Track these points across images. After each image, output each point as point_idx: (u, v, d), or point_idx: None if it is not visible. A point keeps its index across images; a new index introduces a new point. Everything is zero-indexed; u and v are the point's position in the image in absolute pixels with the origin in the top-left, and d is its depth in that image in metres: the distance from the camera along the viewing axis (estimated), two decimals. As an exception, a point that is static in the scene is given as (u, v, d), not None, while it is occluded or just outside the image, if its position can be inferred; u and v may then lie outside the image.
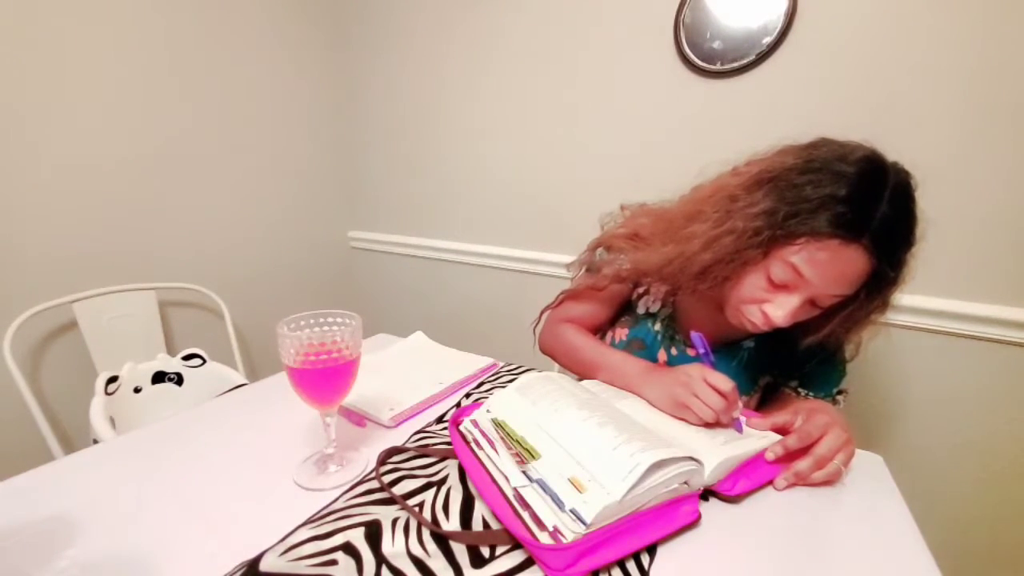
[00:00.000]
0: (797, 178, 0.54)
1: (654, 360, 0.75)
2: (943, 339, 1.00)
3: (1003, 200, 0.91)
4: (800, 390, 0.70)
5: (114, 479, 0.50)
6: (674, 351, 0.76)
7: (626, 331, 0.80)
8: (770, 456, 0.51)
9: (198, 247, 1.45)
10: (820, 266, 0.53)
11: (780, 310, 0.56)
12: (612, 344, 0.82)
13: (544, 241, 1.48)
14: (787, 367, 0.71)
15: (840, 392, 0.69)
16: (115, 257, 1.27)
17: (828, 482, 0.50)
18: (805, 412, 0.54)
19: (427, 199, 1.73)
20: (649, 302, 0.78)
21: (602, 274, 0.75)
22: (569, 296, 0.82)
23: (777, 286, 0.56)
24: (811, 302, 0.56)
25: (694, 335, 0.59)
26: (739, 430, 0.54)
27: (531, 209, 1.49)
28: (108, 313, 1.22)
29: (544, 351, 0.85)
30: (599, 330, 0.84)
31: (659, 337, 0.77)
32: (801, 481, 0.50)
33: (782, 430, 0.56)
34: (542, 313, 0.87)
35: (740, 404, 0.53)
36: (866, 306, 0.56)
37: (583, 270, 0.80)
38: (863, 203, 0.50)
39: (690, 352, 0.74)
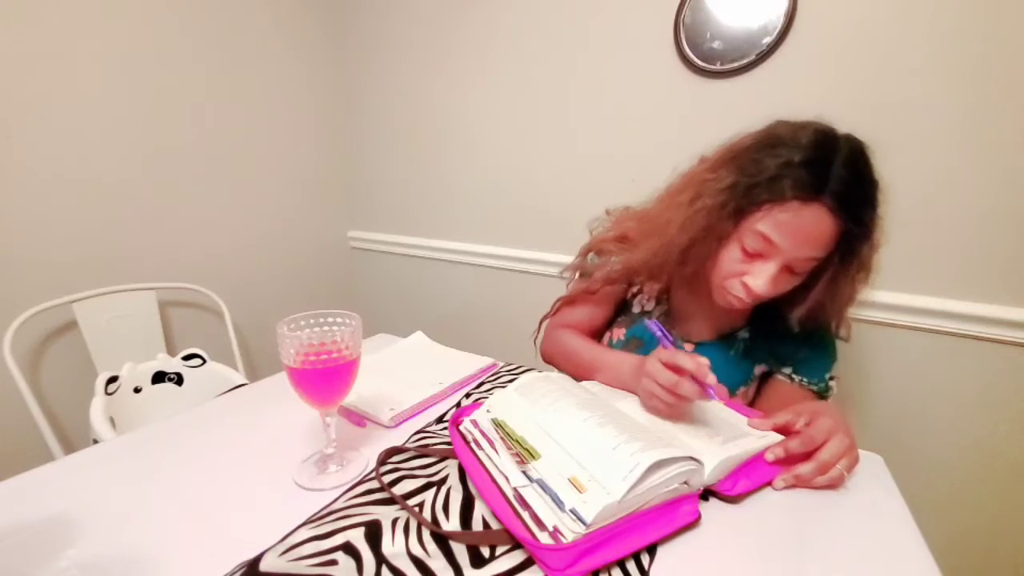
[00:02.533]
0: (756, 153, 0.58)
1: None
2: (943, 339, 1.00)
3: (1003, 200, 0.91)
4: (794, 376, 0.70)
5: (114, 479, 0.50)
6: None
7: (623, 331, 0.81)
8: (770, 457, 0.51)
9: (198, 247, 1.45)
10: (786, 228, 0.55)
11: (759, 278, 0.58)
12: (610, 344, 0.83)
13: (544, 241, 1.48)
14: (781, 356, 0.71)
15: (832, 378, 0.70)
16: (115, 257, 1.27)
17: (829, 486, 0.50)
18: (808, 414, 0.53)
19: (427, 199, 1.73)
20: (643, 300, 0.80)
21: (594, 278, 0.77)
22: (565, 302, 0.84)
23: (752, 256, 0.59)
24: (788, 269, 0.58)
25: (648, 322, 0.60)
26: (709, 397, 0.52)
27: (531, 209, 1.49)
28: (108, 313, 1.22)
29: (546, 360, 0.85)
30: (597, 333, 0.85)
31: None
32: (802, 484, 0.50)
33: (784, 430, 0.56)
34: (541, 322, 0.89)
35: (712, 378, 0.51)
36: (845, 270, 0.58)
37: (576, 275, 0.82)
38: (818, 165, 0.54)
39: (686, 347, 0.74)
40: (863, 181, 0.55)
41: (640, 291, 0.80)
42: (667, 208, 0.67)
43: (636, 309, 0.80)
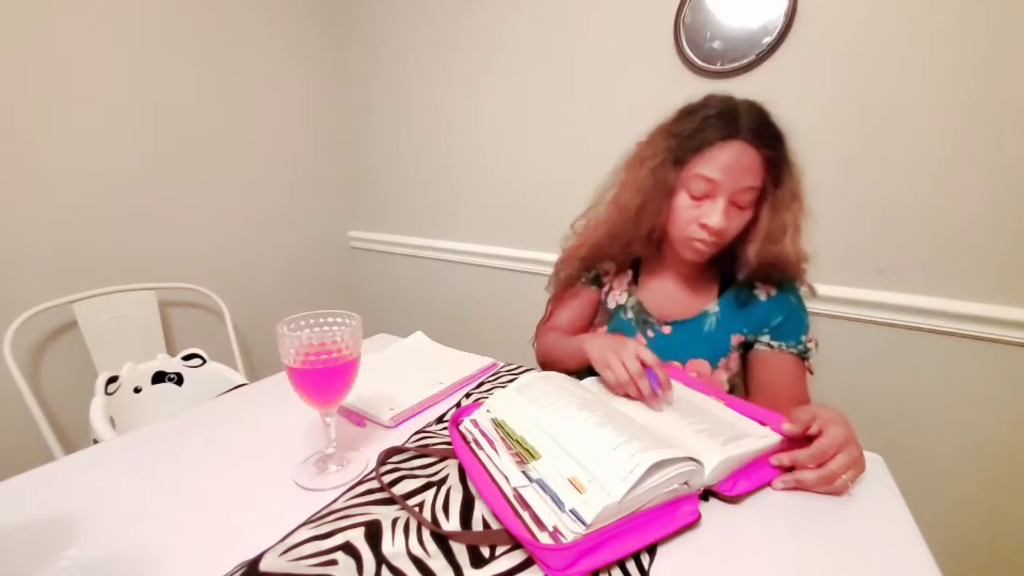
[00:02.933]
0: (678, 121, 0.71)
1: None
2: (943, 339, 1.00)
3: (1003, 200, 0.91)
4: (772, 343, 0.73)
5: (114, 479, 0.50)
6: (650, 333, 0.81)
7: (604, 328, 0.87)
8: (774, 462, 0.51)
9: (198, 247, 1.45)
10: (721, 165, 0.65)
11: (713, 215, 0.66)
12: None
13: (544, 241, 1.48)
14: (754, 324, 0.75)
15: (810, 340, 0.73)
16: (115, 257, 1.27)
17: (831, 493, 0.50)
18: (821, 421, 0.53)
19: (427, 199, 1.73)
20: (616, 296, 0.86)
21: (568, 274, 0.87)
22: (553, 303, 0.92)
23: (700, 199, 0.68)
24: (734, 204, 0.67)
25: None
26: (654, 385, 0.58)
27: (531, 209, 1.49)
28: (108, 313, 1.22)
29: (542, 364, 0.89)
30: (581, 331, 0.90)
31: (633, 324, 0.82)
32: (803, 489, 0.50)
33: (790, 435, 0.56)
34: (537, 329, 0.93)
35: (662, 376, 0.58)
36: (780, 197, 0.68)
37: (556, 280, 0.91)
38: (729, 114, 0.66)
39: (664, 330, 0.79)
40: (766, 119, 0.67)
41: (611, 288, 0.87)
42: (617, 188, 0.79)
43: (611, 305, 0.86)
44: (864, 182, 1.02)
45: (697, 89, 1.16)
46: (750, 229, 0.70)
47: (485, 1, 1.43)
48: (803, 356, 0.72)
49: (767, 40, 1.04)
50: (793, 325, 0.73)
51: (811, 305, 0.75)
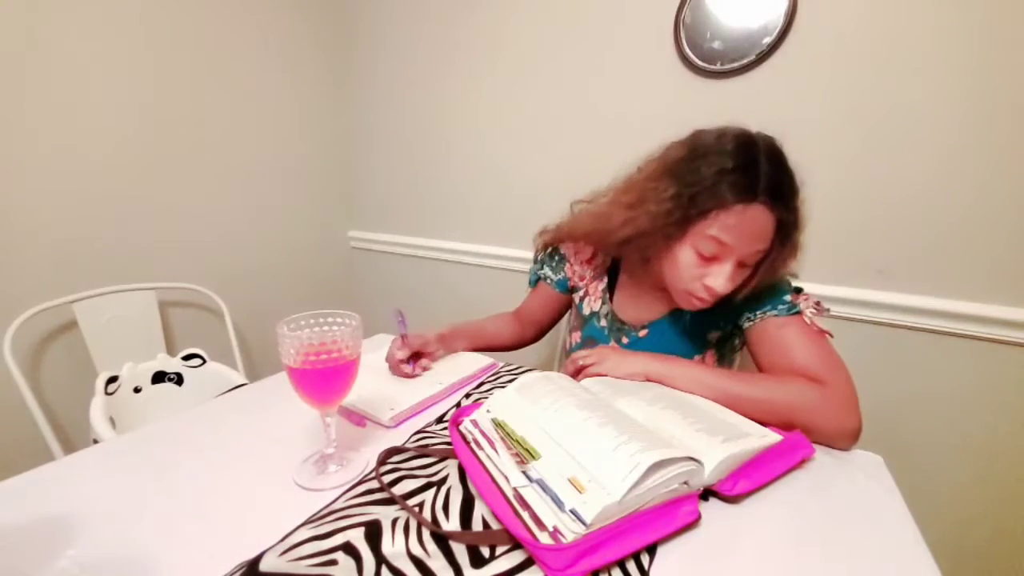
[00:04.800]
0: (689, 164, 0.64)
1: None
2: (943, 339, 1.00)
3: (1003, 200, 0.91)
4: (757, 315, 0.70)
5: (114, 479, 0.50)
6: (625, 339, 0.82)
7: (578, 334, 0.90)
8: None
9: (198, 247, 1.45)
10: (735, 230, 0.61)
11: (719, 278, 0.64)
12: (570, 346, 0.93)
13: (544, 241, 1.48)
14: (729, 313, 0.74)
15: (801, 298, 0.69)
16: (115, 257, 1.27)
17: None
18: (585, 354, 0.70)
19: (427, 199, 1.73)
20: (591, 302, 0.88)
21: (539, 242, 0.94)
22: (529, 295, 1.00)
23: (708, 259, 0.64)
24: (740, 263, 0.64)
25: (396, 312, 0.80)
26: (416, 374, 0.74)
27: (531, 209, 1.49)
28: (108, 313, 1.22)
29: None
30: (540, 325, 1.00)
31: (606, 331, 0.85)
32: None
33: (786, 427, 0.57)
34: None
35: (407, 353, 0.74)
36: (781, 253, 0.64)
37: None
38: (748, 168, 0.60)
39: (640, 334, 0.81)
40: (785, 174, 0.62)
41: (586, 294, 0.89)
42: (610, 203, 0.75)
43: (586, 311, 0.88)
44: (864, 182, 1.02)
45: (697, 89, 1.17)
46: (745, 280, 0.68)
47: (486, 1, 1.43)
48: (794, 313, 0.68)
49: (767, 40, 1.04)
50: (769, 292, 0.69)
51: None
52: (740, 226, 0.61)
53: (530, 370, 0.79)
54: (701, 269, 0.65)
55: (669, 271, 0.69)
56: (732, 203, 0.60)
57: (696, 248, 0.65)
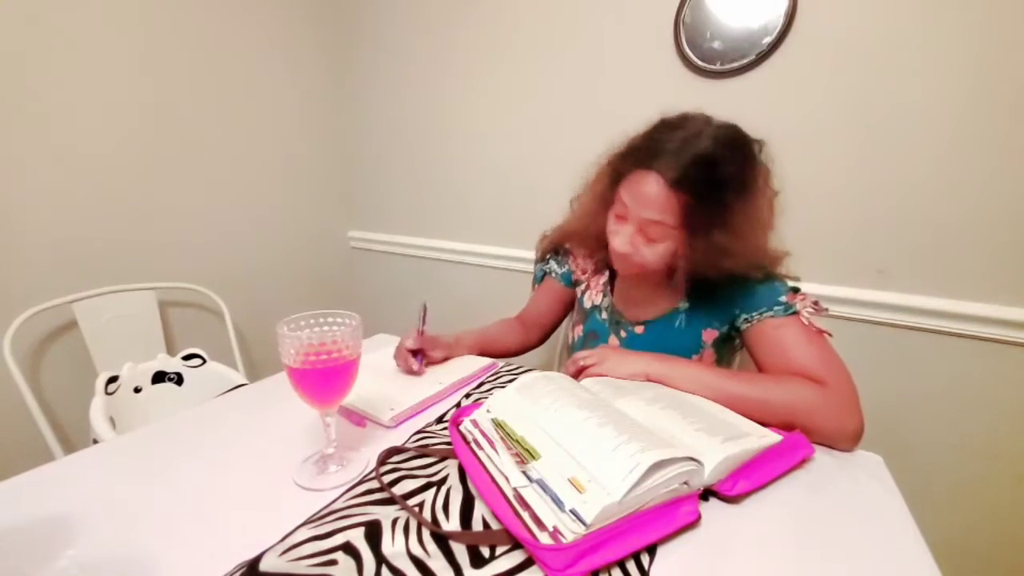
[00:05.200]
0: (632, 139, 0.72)
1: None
2: (943, 339, 1.00)
3: (1003, 200, 0.91)
4: (753, 316, 0.70)
5: (114, 479, 0.50)
6: (623, 334, 0.83)
7: (580, 328, 0.91)
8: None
9: (198, 247, 1.45)
10: (631, 192, 0.67)
11: (618, 237, 0.70)
12: (572, 341, 0.94)
13: (544, 241, 1.48)
14: (723, 313, 0.75)
15: (797, 298, 0.68)
16: (115, 257, 1.27)
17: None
18: (585, 354, 0.70)
19: (427, 199, 1.73)
20: (592, 296, 0.89)
21: (540, 248, 0.98)
22: (533, 294, 1.02)
23: (619, 219, 0.71)
24: (642, 233, 0.68)
25: (421, 306, 0.82)
26: (419, 372, 0.75)
27: (531, 209, 1.49)
28: (108, 313, 1.22)
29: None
30: (545, 325, 1.00)
31: (607, 325, 0.86)
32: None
33: (786, 427, 0.57)
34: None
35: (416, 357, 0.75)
36: (698, 240, 0.65)
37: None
38: (655, 142, 0.66)
39: (637, 330, 0.82)
40: (703, 161, 0.63)
41: (588, 287, 0.91)
42: (580, 197, 0.83)
43: (587, 305, 0.90)
44: (864, 182, 1.02)
45: (697, 89, 1.17)
46: (675, 262, 0.70)
47: (486, 2, 1.43)
48: (791, 314, 0.67)
49: (767, 40, 1.04)
50: (762, 293, 0.69)
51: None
52: (636, 190, 0.66)
53: (530, 370, 0.79)
54: (613, 228, 0.72)
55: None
56: (632, 168, 0.67)
57: (614, 209, 0.72)
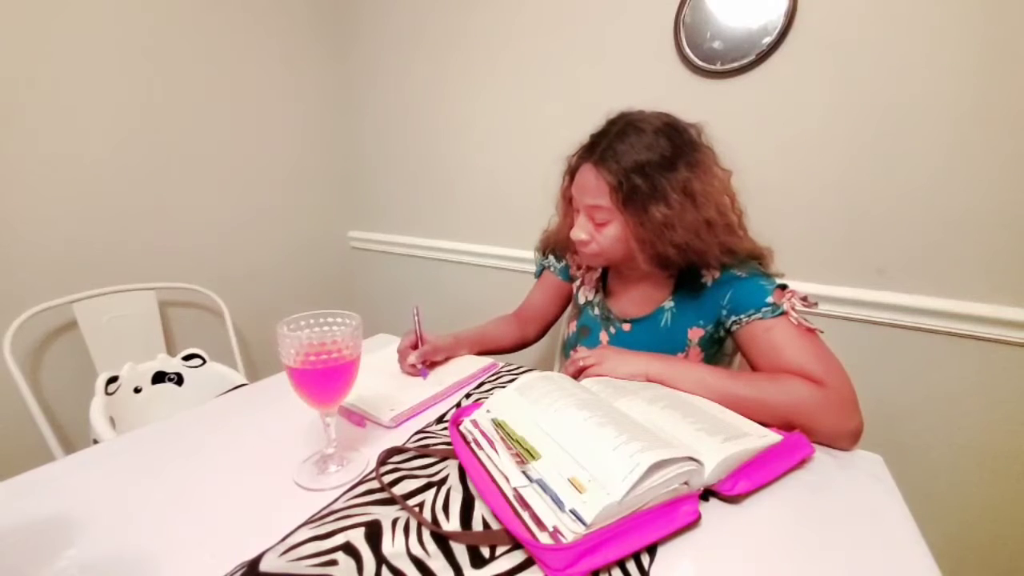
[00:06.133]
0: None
1: (597, 342, 0.86)
2: (943, 339, 1.00)
3: (1003, 200, 0.91)
4: (742, 319, 0.70)
5: (114, 479, 0.50)
6: (612, 330, 0.85)
7: (575, 323, 0.93)
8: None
9: (198, 247, 1.45)
10: (576, 185, 0.75)
11: (575, 228, 0.75)
12: (567, 336, 0.96)
13: (544, 241, 1.48)
14: (708, 312, 0.76)
15: (784, 297, 0.67)
16: (115, 257, 1.27)
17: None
18: (584, 354, 0.72)
19: (427, 199, 1.73)
20: (586, 291, 0.92)
21: (537, 250, 1.02)
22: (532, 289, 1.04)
23: (576, 212, 0.76)
24: (591, 219, 0.74)
25: (414, 309, 0.83)
26: (423, 376, 0.76)
27: (531, 209, 1.48)
28: (108, 313, 1.22)
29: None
30: (544, 319, 1.01)
31: (598, 320, 0.87)
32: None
33: (786, 427, 0.57)
34: None
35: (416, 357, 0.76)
36: (630, 218, 0.70)
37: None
38: (593, 137, 0.75)
39: (625, 328, 0.83)
40: (619, 146, 0.70)
41: (583, 283, 0.93)
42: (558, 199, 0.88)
43: (581, 300, 0.93)
44: (864, 181, 1.02)
45: (697, 89, 1.17)
46: (637, 246, 0.73)
47: (486, 2, 1.43)
48: (779, 314, 0.66)
49: (767, 40, 1.04)
50: (747, 293, 0.69)
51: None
52: (578, 182, 0.74)
53: (530, 370, 0.79)
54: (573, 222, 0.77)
55: None
56: (577, 164, 0.76)
57: (572, 207, 0.78)
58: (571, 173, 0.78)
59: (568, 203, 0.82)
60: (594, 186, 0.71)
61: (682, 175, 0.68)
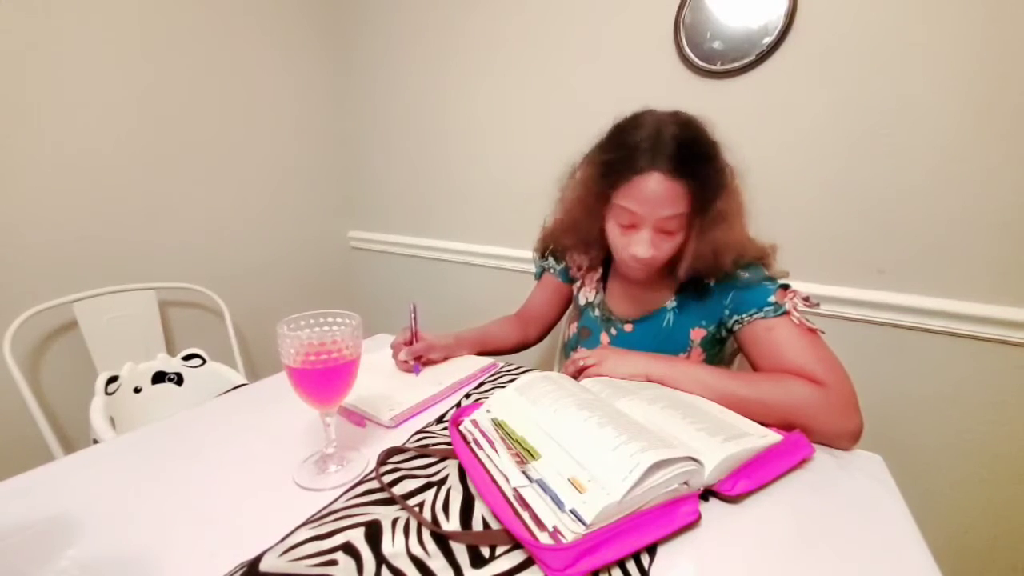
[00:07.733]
0: (606, 146, 0.73)
1: (598, 344, 0.86)
2: (942, 339, 1.00)
3: (1003, 200, 0.91)
4: (744, 318, 0.70)
5: (114, 479, 0.50)
6: (613, 331, 0.84)
7: (575, 324, 0.92)
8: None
9: (198, 247, 1.45)
10: (639, 199, 0.66)
11: (640, 246, 0.69)
12: (568, 338, 0.95)
13: (544, 241, 1.48)
14: (711, 313, 0.75)
15: (787, 297, 0.68)
16: (115, 257, 1.27)
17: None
18: (585, 354, 0.72)
19: (427, 199, 1.73)
20: (587, 292, 0.91)
21: (535, 251, 1.00)
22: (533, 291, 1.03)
23: (627, 228, 0.70)
24: (661, 231, 0.68)
25: (411, 306, 0.80)
26: (416, 372, 0.76)
27: (531, 209, 1.48)
28: (108, 313, 1.22)
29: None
30: (546, 320, 1.01)
31: (599, 322, 0.87)
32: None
33: (785, 427, 0.57)
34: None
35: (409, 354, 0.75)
36: (707, 220, 0.67)
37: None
38: (648, 141, 0.66)
39: (626, 328, 0.83)
40: (686, 142, 0.65)
41: (583, 284, 0.92)
42: (559, 200, 0.84)
43: (582, 301, 0.92)
44: (864, 182, 1.02)
45: (697, 89, 1.17)
46: (681, 250, 0.71)
47: (486, 2, 1.43)
48: (781, 314, 0.66)
49: (767, 40, 1.04)
50: (750, 292, 0.70)
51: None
52: (642, 195, 0.66)
53: (530, 370, 0.79)
54: (625, 239, 0.71)
55: (611, 248, 0.75)
56: (630, 175, 0.66)
57: (616, 220, 0.71)
58: (606, 191, 0.70)
59: (593, 210, 0.74)
60: (672, 195, 0.65)
61: (726, 166, 0.68)
